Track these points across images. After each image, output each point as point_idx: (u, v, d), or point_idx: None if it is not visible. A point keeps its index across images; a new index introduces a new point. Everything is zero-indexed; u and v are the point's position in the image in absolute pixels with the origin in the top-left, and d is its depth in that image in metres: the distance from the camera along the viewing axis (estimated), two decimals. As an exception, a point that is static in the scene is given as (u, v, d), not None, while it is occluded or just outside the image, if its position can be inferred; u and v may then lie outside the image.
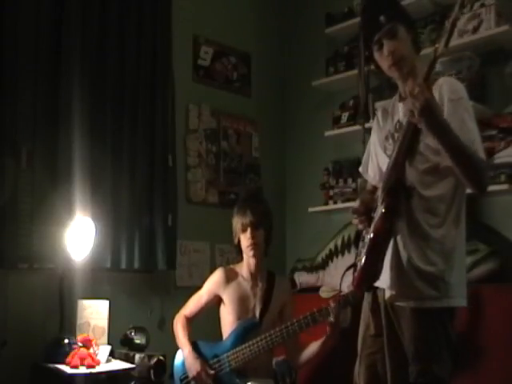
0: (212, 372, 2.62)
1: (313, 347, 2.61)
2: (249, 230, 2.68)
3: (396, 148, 1.93)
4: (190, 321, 2.81)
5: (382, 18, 2.00)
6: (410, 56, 2.02)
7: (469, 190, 1.98)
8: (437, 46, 1.81)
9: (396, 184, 1.90)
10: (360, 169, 2.30)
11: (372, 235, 1.90)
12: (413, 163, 1.93)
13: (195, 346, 2.72)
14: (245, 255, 2.78)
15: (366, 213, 2.00)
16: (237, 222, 2.73)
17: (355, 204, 2.06)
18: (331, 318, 2.44)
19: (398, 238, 1.95)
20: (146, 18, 3.30)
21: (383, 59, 2.03)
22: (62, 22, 2.95)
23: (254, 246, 2.69)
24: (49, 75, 2.91)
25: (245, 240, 2.71)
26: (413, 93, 1.78)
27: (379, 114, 2.22)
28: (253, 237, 2.68)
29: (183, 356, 2.73)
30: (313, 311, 2.50)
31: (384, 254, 1.91)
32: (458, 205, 1.97)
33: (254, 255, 2.72)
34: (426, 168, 1.95)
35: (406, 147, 1.90)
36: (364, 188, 2.36)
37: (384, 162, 2.03)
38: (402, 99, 2.08)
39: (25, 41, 2.82)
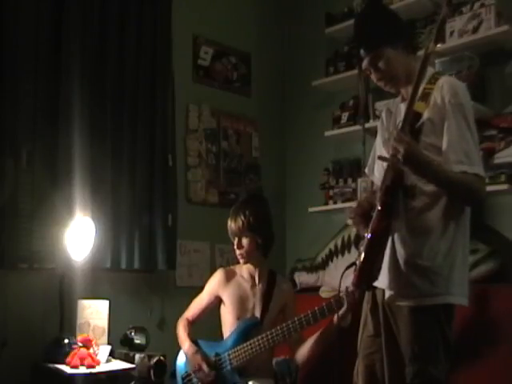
0: (213, 360, 2.61)
1: (310, 341, 2.60)
2: (236, 239, 2.70)
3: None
4: (192, 323, 2.81)
5: (361, 51, 2.01)
6: (403, 67, 2.01)
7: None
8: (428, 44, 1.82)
9: (392, 182, 1.90)
10: (366, 170, 2.30)
11: (369, 234, 1.90)
12: None
13: (196, 345, 2.71)
14: None
15: (362, 214, 2.01)
16: (228, 227, 2.74)
17: (353, 205, 2.06)
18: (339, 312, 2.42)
19: (396, 237, 1.95)
20: (146, 17, 3.31)
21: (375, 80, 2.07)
22: (62, 22, 2.96)
23: (240, 255, 2.71)
24: (49, 75, 2.92)
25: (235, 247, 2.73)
26: (394, 138, 1.82)
27: (383, 114, 2.22)
28: (238, 247, 2.70)
29: (184, 352, 2.73)
30: (313, 309, 2.49)
31: (383, 253, 1.91)
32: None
33: (244, 263, 2.74)
34: None
35: None
36: (366, 189, 2.36)
37: None
38: (403, 100, 2.08)
39: (25, 41, 2.82)
